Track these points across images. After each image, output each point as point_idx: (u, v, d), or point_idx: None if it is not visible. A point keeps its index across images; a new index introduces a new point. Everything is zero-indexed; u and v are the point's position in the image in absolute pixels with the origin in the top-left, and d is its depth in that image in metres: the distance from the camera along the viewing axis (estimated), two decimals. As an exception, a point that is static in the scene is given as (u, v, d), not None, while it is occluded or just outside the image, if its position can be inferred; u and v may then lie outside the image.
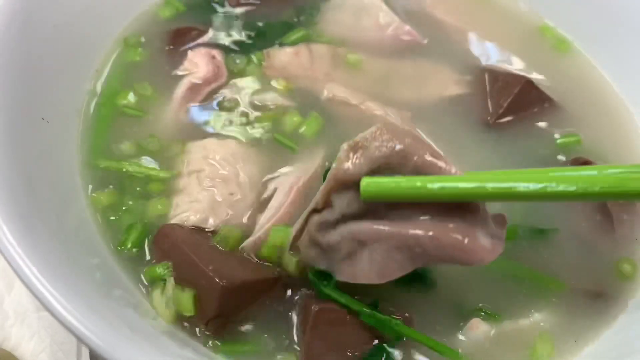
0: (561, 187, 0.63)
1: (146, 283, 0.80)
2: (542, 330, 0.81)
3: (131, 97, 0.98)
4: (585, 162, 0.96)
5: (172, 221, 0.83)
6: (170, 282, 0.76)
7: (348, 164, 0.68)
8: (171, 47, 1.05)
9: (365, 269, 0.68)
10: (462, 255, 0.65)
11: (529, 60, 1.13)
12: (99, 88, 0.98)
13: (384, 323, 0.75)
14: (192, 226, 0.83)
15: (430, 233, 0.65)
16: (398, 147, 0.67)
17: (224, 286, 0.73)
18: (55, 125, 0.86)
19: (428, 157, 0.67)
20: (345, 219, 0.69)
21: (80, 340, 0.62)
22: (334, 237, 0.70)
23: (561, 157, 0.99)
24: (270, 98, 0.99)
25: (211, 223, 0.84)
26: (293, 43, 1.06)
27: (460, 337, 0.80)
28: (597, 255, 0.89)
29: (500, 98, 1.01)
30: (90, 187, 0.87)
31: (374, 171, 0.67)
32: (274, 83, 1.01)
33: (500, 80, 1.04)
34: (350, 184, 0.68)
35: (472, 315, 0.81)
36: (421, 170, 0.67)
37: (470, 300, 0.82)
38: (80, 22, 0.97)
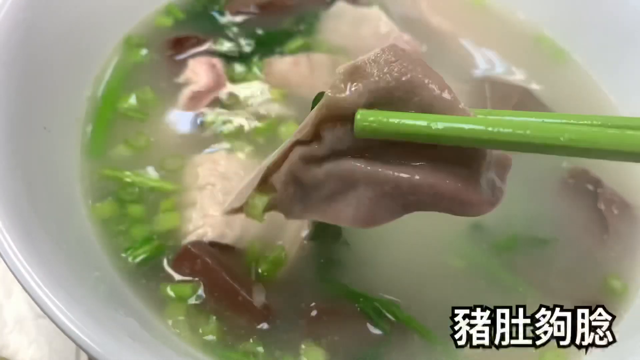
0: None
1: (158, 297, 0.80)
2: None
3: (132, 102, 0.98)
4: (583, 171, 0.97)
5: (189, 237, 0.83)
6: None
7: (344, 93, 0.58)
8: (171, 55, 1.05)
9: (350, 212, 0.61)
10: (460, 208, 0.60)
11: (526, 70, 1.13)
12: (99, 94, 0.98)
13: (386, 306, 0.77)
14: (211, 241, 0.82)
15: (430, 181, 0.58)
16: (405, 77, 0.58)
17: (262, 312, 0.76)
18: (56, 134, 0.86)
19: (437, 93, 0.58)
20: (334, 155, 0.61)
21: (80, 347, 0.62)
22: (319, 174, 0.61)
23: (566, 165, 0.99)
24: (271, 107, 1.00)
25: (229, 237, 0.83)
26: (293, 52, 1.07)
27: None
28: (592, 266, 0.89)
29: (499, 108, 1.00)
30: (91, 197, 0.87)
31: (372, 104, 0.58)
32: (270, 92, 1.01)
33: (499, 90, 1.05)
34: (345, 116, 0.58)
35: None
36: (426, 109, 0.58)
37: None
38: (80, 30, 0.97)
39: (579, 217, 0.93)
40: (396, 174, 0.59)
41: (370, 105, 0.58)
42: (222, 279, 0.78)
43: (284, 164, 0.63)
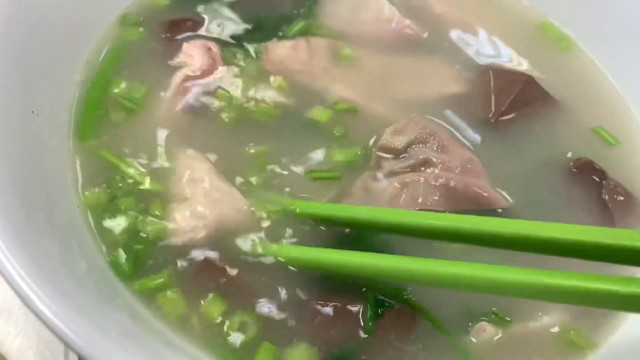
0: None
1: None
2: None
3: (123, 86, 0.95)
4: (587, 162, 0.96)
5: (181, 238, 0.81)
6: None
7: (392, 139, 0.91)
8: (166, 37, 1.02)
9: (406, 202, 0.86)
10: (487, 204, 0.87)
11: (530, 57, 1.12)
12: (90, 78, 0.95)
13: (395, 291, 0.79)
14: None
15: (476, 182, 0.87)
16: (426, 131, 0.91)
17: None
18: (45, 118, 0.84)
19: (445, 140, 0.91)
20: (390, 174, 0.89)
21: (66, 344, 0.60)
22: (382, 185, 0.88)
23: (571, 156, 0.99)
24: (268, 94, 0.97)
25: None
26: (292, 36, 1.05)
27: (472, 339, 0.80)
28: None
29: (502, 96, 1.01)
30: (80, 184, 0.85)
31: (409, 143, 0.90)
32: (270, 80, 0.99)
33: (503, 77, 1.04)
34: (393, 153, 0.91)
35: (480, 318, 0.81)
36: (441, 143, 0.91)
37: (478, 302, 0.82)
38: (70, 12, 0.95)
39: (583, 207, 0.93)
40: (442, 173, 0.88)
41: (408, 144, 0.91)
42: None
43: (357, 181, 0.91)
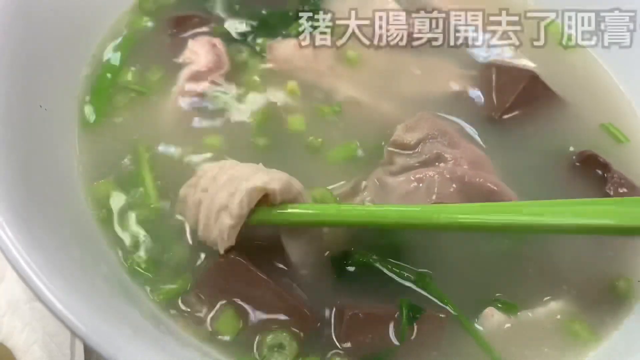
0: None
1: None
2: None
3: (130, 80, 0.96)
4: (591, 156, 0.96)
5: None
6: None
7: (404, 135, 0.91)
8: (172, 34, 1.03)
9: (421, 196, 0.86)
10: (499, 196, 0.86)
11: (533, 55, 1.11)
12: (96, 72, 0.96)
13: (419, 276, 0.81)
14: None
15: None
16: (437, 127, 0.92)
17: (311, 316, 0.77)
18: (53, 113, 0.85)
19: (455, 136, 0.92)
20: (403, 169, 0.90)
21: (76, 335, 0.60)
22: (397, 179, 0.88)
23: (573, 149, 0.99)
24: (273, 93, 0.98)
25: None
26: (297, 34, 1.04)
27: (477, 326, 0.81)
28: (599, 249, 0.90)
29: (506, 93, 1.01)
30: (89, 177, 0.85)
31: (421, 139, 0.91)
32: (283, 85, 0.99)
33: (506, 75, 1.04)
34: (405, 148, 0.91)
35: (487, 305, 0.82)
36: (451, 139, 0.91)
37: (485, 290, 0.83)
38: (77, 6, 0.96)
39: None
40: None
41: (419, 140, 0.91)
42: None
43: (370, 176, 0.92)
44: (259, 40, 1.04)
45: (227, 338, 0.75)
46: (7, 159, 0.71)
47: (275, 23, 1.06)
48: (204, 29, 1.04)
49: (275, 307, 0.76)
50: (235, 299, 0.76)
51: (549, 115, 1.02)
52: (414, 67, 1.06)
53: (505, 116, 1.00)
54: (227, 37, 1.03)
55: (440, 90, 1.03)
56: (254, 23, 1.06)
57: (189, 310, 0.77)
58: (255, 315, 0.76)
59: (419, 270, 0.82)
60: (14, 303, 0.90)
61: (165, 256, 0.81)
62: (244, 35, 1.05)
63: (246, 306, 0.76)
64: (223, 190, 0.76)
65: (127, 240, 0.81)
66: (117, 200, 0.84)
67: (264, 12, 1.08)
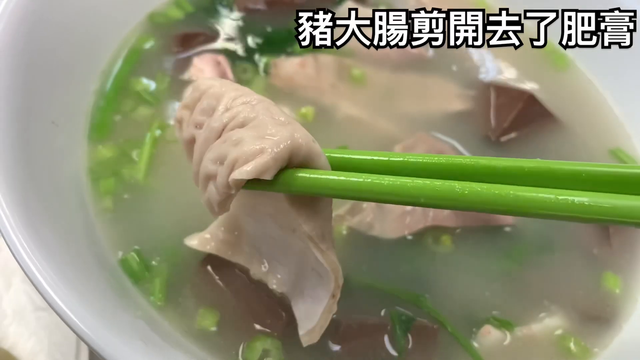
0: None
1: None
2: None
3: (138, 93, 0.99)
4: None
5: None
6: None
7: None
8: (178, 51, 1.05)
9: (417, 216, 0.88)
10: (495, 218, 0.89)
11: (529, 76, 1.14)
12: (104, 88, 0.98)
13: (414, 297, 0.82)
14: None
15: None
16: (434, 148, 0.94)
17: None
18: (64, 128, 0.87)
19: None
20: None
21: (83, 340, 0.62)
22: None
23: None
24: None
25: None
26: (300, 52, 1.07)
27: (474, 344, 0.82)
28: (591, 271, 0.91)
29: (503, 114, 1.03)
30: (97, 191, 0.88)
31: None
32: (301, 111, 1.00)
33: (504, 94, 1.06)
34: None
35: (484, 323, 0.83)
36: None
37: (481, 307, 0.85)
38: (86, 23, 0.97)
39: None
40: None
41: None
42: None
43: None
44: (264, 58, 1.06)
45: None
46: (18, 172, 0.73)
47: (279, 41, 1.08)
48: (209, 46, 1.06)
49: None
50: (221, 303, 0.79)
51: (546, 137, 1.04)
52: (414, 86, 1.08)
53: (503, 138, 1.01)
54: (231, 54, 1.06)
55: (440, 110, 1.05)
56: (259, 41, 1.08)
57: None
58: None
59: (417, 293, 0.84)
60: (20, 312, 0.92)
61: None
62: (248, 52, 1.07)
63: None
64: (215, 149, 0.63)
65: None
66: (128, 218, 0.86)
67: (268, 29, 1.10)
